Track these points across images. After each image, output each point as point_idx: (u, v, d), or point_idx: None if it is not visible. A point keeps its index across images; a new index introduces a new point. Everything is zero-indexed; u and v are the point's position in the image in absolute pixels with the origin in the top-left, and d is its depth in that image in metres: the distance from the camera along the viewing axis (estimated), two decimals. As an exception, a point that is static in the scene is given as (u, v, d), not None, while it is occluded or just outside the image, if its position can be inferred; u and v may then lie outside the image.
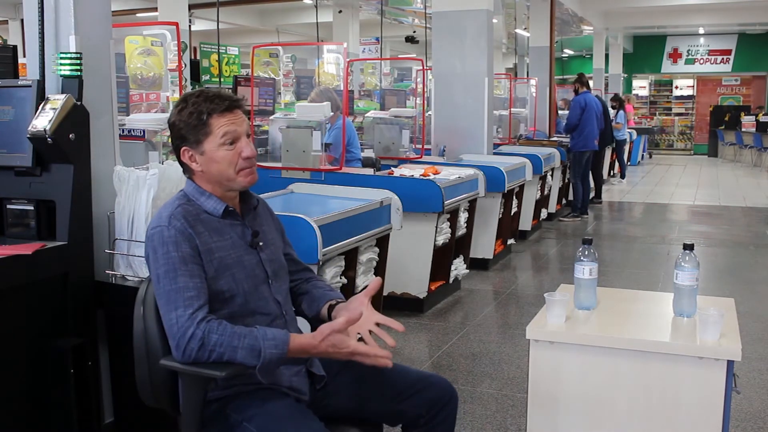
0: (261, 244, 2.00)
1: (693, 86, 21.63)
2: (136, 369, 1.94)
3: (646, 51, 21.34)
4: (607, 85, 17.65)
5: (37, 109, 2.58)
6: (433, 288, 4.93)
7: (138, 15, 12.54)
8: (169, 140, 1.98)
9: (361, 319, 1.96)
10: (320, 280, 2.23)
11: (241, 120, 1.94)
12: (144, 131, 3.70)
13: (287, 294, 2.08)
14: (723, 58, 20.73)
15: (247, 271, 1.94)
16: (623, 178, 13.20)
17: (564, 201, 9.38)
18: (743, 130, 17.12)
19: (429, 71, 7.08)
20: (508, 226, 6.52)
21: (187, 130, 1.92)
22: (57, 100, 2.56)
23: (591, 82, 11.44)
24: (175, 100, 4.20)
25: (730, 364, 2.06)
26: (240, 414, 1.85)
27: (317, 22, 9.62)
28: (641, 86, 22.31)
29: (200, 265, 1.86)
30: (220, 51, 7.92)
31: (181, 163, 1.99)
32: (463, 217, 5.33)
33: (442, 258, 5.01)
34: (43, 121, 2.52)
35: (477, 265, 5.95)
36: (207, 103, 1.91)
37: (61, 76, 2.65)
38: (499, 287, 5.67)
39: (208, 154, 1.92)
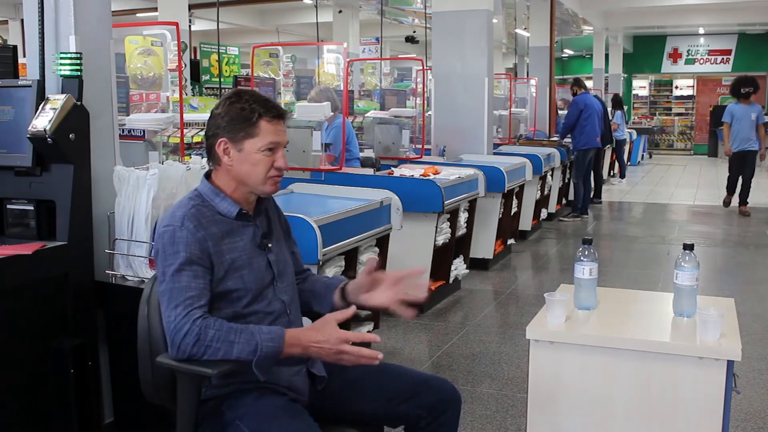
0: (270, 245, 2.02)
1: (693, 86, 21.61)
2: (139, 366, 1.95)
3: (646, 51, 21.32)
4: (607, 85, 17.63)
5: (37, 109, 2.58)
6: (433, 288, 4.93)
7: (138, 15, 12.54)
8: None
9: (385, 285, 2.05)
10: (315, 275, 2.25)
11: (284, 132, 1.98)
12: (144, 131, 3.69)
13: (293, 292, 2.08)
14: (723, 58, 20.71)
15: (256, 273, 1.95)
16: (623, 178, 13.19)
17: (564, 201, 9.38)
18: (743, 130, 17.07)
19: (429, 71, 7.08)
20: (508, 226, 6.52)
21: (233, 123, 1.91)
22: (57, 100, 2.56)
23: (591, 82, 11.47)
24: (175, 100, 4.22)
25: (730, 364, 2.06)
26: (233, 412, 1.86)
27: (317, 22, 9.60)
28: (641, 86, 22.29)
29: (207, 267, 1.87)
30: (220, 51, 7.91)
31: (210, 154, 1.98)
32: (463, 217, 5.33)
33: (442, 258, 5.01)
34: (43, 121, 2.52)
35: (477, 265, 5.95)
36: (260, 105, 1.92)
37: (61, 76, 2.65)
38: (499, 287, 5.66)
39: (246, 154, 1.92)
